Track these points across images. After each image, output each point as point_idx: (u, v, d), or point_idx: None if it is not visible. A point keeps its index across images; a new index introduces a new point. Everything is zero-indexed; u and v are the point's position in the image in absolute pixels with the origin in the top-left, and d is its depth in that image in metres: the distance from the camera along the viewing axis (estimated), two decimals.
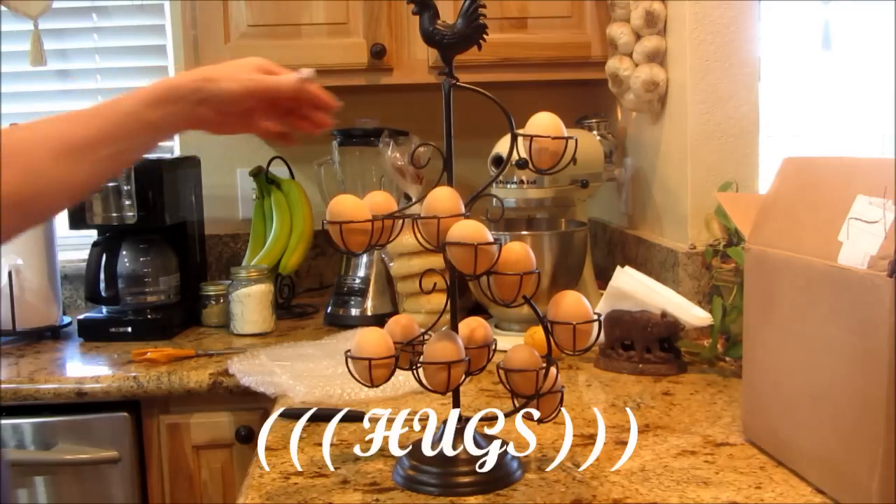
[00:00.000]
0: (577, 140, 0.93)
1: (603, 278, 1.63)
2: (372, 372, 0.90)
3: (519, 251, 0.89)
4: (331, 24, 1.80)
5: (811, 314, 0.89)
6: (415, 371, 0.92)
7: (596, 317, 0.92)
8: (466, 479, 0.92)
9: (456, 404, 0.96)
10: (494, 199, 1.01)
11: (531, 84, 1.88)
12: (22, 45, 2.02)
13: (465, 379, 0.92)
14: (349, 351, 0.93)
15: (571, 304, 0.92)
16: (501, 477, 0.93)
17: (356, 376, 0.93)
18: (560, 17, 1.83)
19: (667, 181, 1.68)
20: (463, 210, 0.89)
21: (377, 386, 0.92)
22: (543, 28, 1.82)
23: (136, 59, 2.18)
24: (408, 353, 0.96)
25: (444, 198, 0.88)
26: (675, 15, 1.60)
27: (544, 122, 0.92)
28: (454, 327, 0.95)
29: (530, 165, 0.92)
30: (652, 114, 1.72)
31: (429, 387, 0.91)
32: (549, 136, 0.91)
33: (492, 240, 0.86)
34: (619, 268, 1.47)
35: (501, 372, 0.93)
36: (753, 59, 1.56)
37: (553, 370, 0.93)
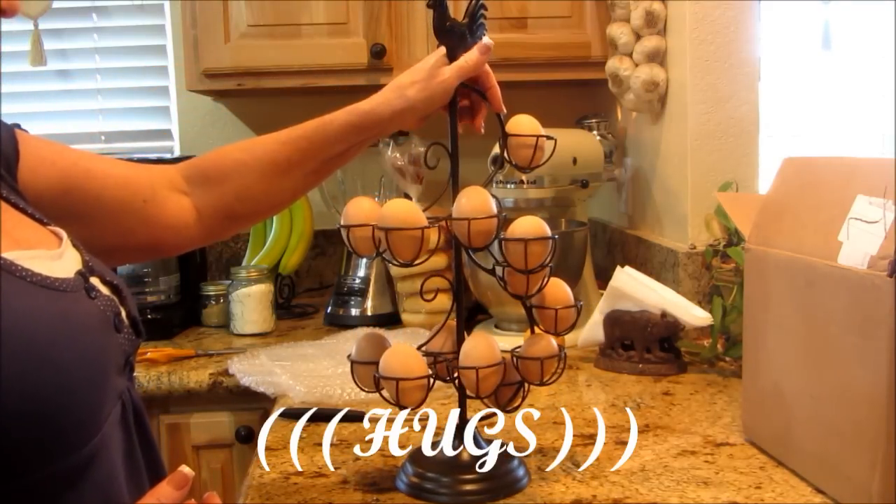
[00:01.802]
0: (556, 140, 0.95)
1: (603, 278, 1.62)
2: (428, 390, 0.88)
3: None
4: (331, 24, 1.80)
5: (811, 314, 0.89)
6: (457, 380, 0.90)
7: (576, 303, 0.95)
8: (473, 487, 0.91)
9: (462, 404, 0.96)
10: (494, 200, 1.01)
11: (531, 84, 1.88)
12: (22, 45, 2.02)
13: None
14: (380, 373, 0.88)
15: (554, 290, 0.94)
16: (509, 483, 0.93)
17: (394, 399, 0.88)
18: (560, 17, 1.83)
19: (667, 181, 1.68)
20: (495, 209, 0.88)
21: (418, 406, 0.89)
22: (543, 28, 1.82)
23: (136, 59, 2.18)
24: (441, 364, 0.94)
25: (478, 197, 0.88)
26: (675, 15, 1.60)
27: (526, 124, 0.94)
28: (460, 328, 0.95)
29: (509, 164, 0.94)
30: (652, 114, 1.72)
31: (475, 393, 0.89)
32: (526, 135, 0.93)
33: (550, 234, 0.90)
34: (619, 268, 1.47)
35: (524, 362, 0.92)
36: (753, 59, 1.56)
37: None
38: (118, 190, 0.95)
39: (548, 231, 0.89)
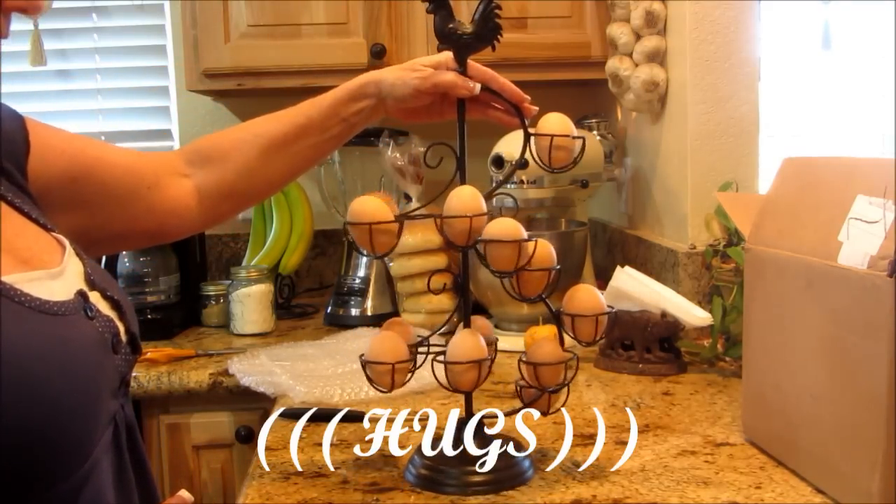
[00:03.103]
0: (584, 139, 0.95)
1: (603, 278, 1.62)
2: (394, 377, 0.91)
3: (544, 247, 0.92)
4: (331, 24, 1.80)
5: (811, 314, 0.89)
6: (444, 373, 0.92)
7: (610, 309, 0.95)
8: (479, 478, 0.92)
9: (468, 402, 0.96)
10: (501, 199, 1.02)
11: (531, 84, 1.86)
12: (22, 45, 2.01)
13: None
14: (363, 356, 0.93)
15: (585, 296, 0.95)
16: (515, 475, 0.93)
17: (375, 382, 0.93)
18: (560, 17, 1.83)
19: (667, 181, 1.68)
20: (485, 209, 0.89)
21: (392, 391, 0.93)
22: (543, 28, 1.82)
23: (136, 59, 2.18)
24: (421, 354, 0.96)
25: (468, 196, 0.88)
26: (675, 15, 1.60)
27: (556, 123, 0.94)
28: (467, 323, 0.96)
29: (543, 165, 0.94)
30: (652, 114, 1.71)
31: (453, 386, 0.91)
32: (567, 136, 0.93)
33: (527, 237, 0.89)
34: (619, 268, 1.47)
35: (524, 366, 0.94)
36: (753, 59, 1.56)
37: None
38: (124, 177, 0.96)
39: (521, 234, 0.88)
